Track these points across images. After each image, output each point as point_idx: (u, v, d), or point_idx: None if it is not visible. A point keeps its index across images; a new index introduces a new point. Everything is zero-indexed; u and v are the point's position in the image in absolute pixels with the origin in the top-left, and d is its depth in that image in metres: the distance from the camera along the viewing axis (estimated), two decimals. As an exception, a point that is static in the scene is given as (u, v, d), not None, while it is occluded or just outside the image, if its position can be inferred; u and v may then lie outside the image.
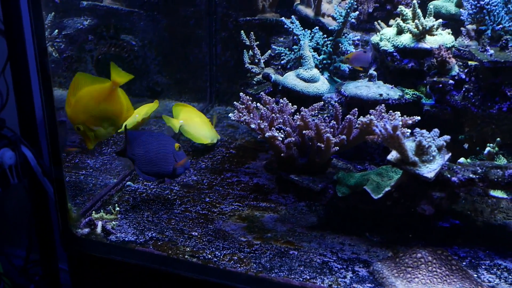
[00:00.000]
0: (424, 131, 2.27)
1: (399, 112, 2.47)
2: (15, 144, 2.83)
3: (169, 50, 3.92)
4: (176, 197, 2.80)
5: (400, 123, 2.24)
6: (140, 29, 3.80)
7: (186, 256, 2.33)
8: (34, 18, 2.27)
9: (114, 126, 2.46)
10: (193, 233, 2.50)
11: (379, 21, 3.31)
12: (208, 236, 2.47)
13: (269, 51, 3.48)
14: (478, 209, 2.58)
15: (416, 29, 2.88)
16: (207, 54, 3.94)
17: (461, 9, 3.06)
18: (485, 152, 2.61)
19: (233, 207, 2.72)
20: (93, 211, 2.62)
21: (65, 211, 2.48)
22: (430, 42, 2.89)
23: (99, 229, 2.49)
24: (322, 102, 2.80)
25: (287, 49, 3.32)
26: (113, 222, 2.55)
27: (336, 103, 2.74)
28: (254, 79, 3.40)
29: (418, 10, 2.93)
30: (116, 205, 2.68)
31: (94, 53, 3.78)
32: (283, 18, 3.26)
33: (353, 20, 3.17)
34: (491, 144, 2.64)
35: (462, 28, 3.00)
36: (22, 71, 2.84)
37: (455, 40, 2.96)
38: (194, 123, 3.18)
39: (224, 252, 2.36)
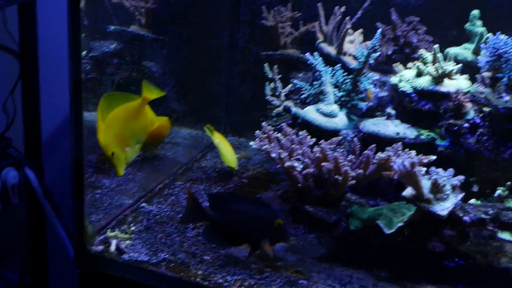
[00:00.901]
0: (440, 169, 2.33)
1: (414, 151, 2.53)
2: (19, 164, 2.85)
3: (189, 79, 3.99)
4: (189, 221, 2.85)
5: (417, 160, 2.30)
6: (162, 57, 3.88)
7: (197, 280, 2.37)
8: (72, 42, 2.30)
9: (140, 143, 2.47)
10: (205, 257, 2.53)
11: (398, 63, 3.39)
12: (220, 261, 2.51)
13: (290, 85, 3.55)
14: (483, 251, 2.61)
15: (436, 72, 2.96)
16: (225, 85, 4.01)
17: (478, 57, 3.15)
18: (496, 195, 2.67)
19: (244, 234, 2.76)
20: (108, 230, 2.66)
21: (82, 228, 2.52)
22: (447, 86, 2.97)
23: (113, 248, 2.53)
24: (341, 137, 2.88)
25: (307, 84, 3.39)
26: (127, 241, 2.59)
27: (355, 138, 2.81)
28: (274, 111, 3.46)
29: (439, 54, 3.01)
30: (131, 224, 2.73)
31: (114, 77, 3.85)
32: (307, 54, 3.33)
33: (372, 61, 3.24)
34: (502, 188, 2.69)
35: (477, 75, 3.08)
36: (32, 92, 2.89)
37: (471, 86, 3.03)
38: (227, 146, 3.23)
39: (235, 277, 2.39)
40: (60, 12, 2.31)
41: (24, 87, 2.84)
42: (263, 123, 2.82)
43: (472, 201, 2.72)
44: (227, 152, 3.26)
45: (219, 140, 3.25)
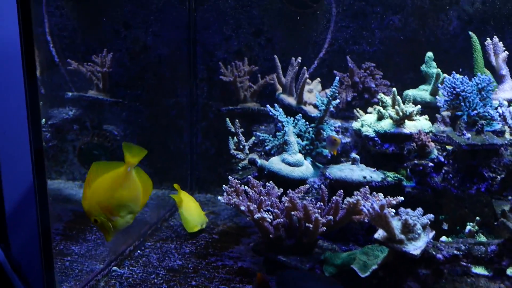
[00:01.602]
0: (409, 210, 2.35)
1: (382, 194, 2.55)
2: None
3: (151, 139, 3.99)
4: (162, 281, 2.81)
5: (386, 202, 2.32)
6: (122, 119, 3.88)
7: None
8: (31, 112, 2.28)
9: (133, 213, 2.34)
10: (181, 316, 2.51)
11: (358, 109, 3.44)
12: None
13: (253, 138, 3.56)
14: (458, 288, 2.63)
15: (396, 115, 3.00)
16: (188, 143, 4.01)
17: (436, 97, 3.21)
18: (466, 230, 2.69)
19: (219, 290, 2.74)
20: (81, 296, 2.62)
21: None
22: (409, 127, 3.01)
23: (87, 314, 2.50)
24: (308, 185, 2.88)
25: (270, 135, 3.41)
26: (101, 306, 2.56)
27: (322, 185, 2.82)
28: (239, 164, 3.47)
29: (398, 97, 3.06)
30: (105, 289, 2.70)
31: (76, 143, 3.83)
32: (267, 106, 3.36)
33: (332, 109, 3.28)
34: (471, 223, 2.72)
35: (437, 115, 3.13)
36: None
37: (432, 125, 3.08)
38: (191, 208, 3.21)
39: None
40: (15, 82, 2.29)
41: None
42: (230, 177, 2.82)
43: (443, 238, 2.73)
44: (189, 215, 3.25)
45: (183, 203, 3.23)
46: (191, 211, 3.24)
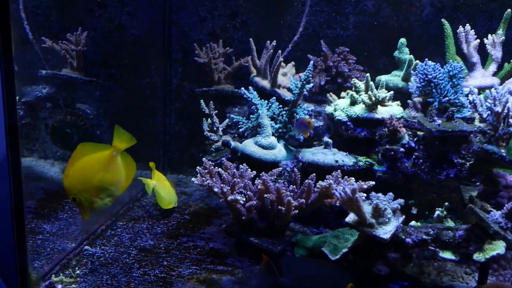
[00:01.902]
0: (380, 194, 2.38)
1: (353, 178, 2.59)
2: None
3: (124, 119, 3.98)
4: (134, 261, 2.83)
5: (358, 187, 2.35)
6: (96, 98, 3.87)
7: (147, 319, 2.37)
8: (6, 88, 2.27)
9: (112, 197, 2.36)
10: (153, 296, 2.54)
11: (331, 93, 3.46)
12: (168, 300, 2.52)
13: (227, 120, 3.58)
14: (425, 271, 2.68)
15: (369, 100, 3.03)
16: (161, 123, 4.02)
17: (408, 83, 3.24)
18: (435, 215, 2.74)
19: (191, 270, 2.76)
20: (53, 275, 2.62)
21: (25, 275, 2.48)
22: (381, 112, 3.05)
23: (59, 292, 2.51)
24: (281, 168, 2.91)
25: (244, 118, 3.43)
26: (72, 285, 2.56)
27: (295, 169, 2.84)
28: (213, 146, 3.48)
29: (371, 83, 3.09)
30: (76, 268, 2.70)
31: (48, 121, 3.82)
32: (242, 88, 3.38)
33: (306, 92, 3.30)
34: (440, 208, 2.77)
35: (409, 101, 3.17)
36: None
37: (403, 111, 3.12)
38: (165, 187, 3.22)
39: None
40: None
41: None
42: (204, 159, 2.83)
43: (413, 223, 2.78)
44: (165, 193, 3.26)
45: (156, 183, 3.23)
46: (166, 189, 3.25)
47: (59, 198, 3.46)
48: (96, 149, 2.32)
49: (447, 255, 2.64)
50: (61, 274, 2.64)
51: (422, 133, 2.90)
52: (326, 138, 3.07)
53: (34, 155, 4.02)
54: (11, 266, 2.64)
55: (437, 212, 2.73)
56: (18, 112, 3.65)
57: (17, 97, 3.65)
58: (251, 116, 3.39)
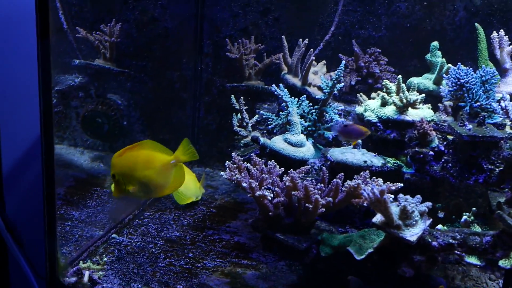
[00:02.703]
0: (408, 196, 2.39)
1: (381, 179, 2.59)
2: None
3: (154, 111, 4.01)
4: (160, 251, 2.87)
5: (386, 188, 2.36)
6: (127, 89, 3.90)
7: (171, 309, 2.41)
8: (42, 73, 2.31)
9: (148, 195, 2.43)
10: (177, 286, 2.57)
11: (361, 93, 3.47)
12: (192, 290, 2.55)
13: (256, 116, 3.60)
14: (449, 275, 2.68)
15: (400, 102, 3.04)
16: (190, 116, 4.04)
17: (440, 86, 3.24)
18: (462, 220, 2.74)
19: (215, 263, 2.79)
20: (80, 261, 2.67)
21: (54, 260, 2.53)
22: (412, 115, 3.05)
23: (86, 279, 2.54)
24: (309, 166, 2.92)
25: (274, 114, 3.44)
26: (99, 272, 2.61)
27: (323, 167, 2.86)
28: (242, 141, 3.50)
29: (403, 85, 3.09)
30: (103, 255, 2.74)
31: (79, 110, 3.87)
32: (273, 85, 3.40)
33: (336, 92, 3.31)
34: (468, 213, 2.77)
35: (439, 104, 3.17)
36: None
37: (434, 114, 3.12)
38: (189, 180, 3.22)
39: (207, 303, 2.44)
40: (21, 47, 2.32)
41: None
42: (233, 153, 2.86)
43: (439, 226, 2.78)
44: (183, 187, 3.27)
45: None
46: (186, 183, 3.26)
47: (88, 186, 3.51)
48: (160, 150, 2.35)
49: (473, 260, 2.64)
50: (88, 260, 2.68)
51: (452, 137, 2.90)
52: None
53: (64, 143, 4.07)
54: (40, 252, 2.69)
55: (464, 217, 2.73)
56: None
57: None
58: (280, 113, 3.41)
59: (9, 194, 3.11)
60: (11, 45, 2.80)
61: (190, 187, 3.21)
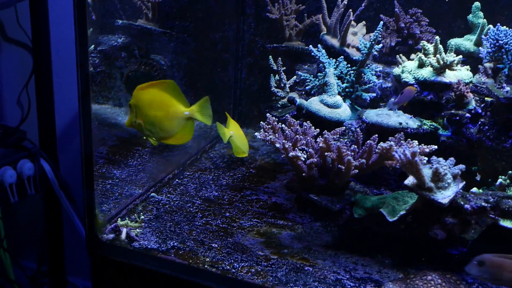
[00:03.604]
0: (440, 159, 2.38)
1: (416, 141, 2.59)
2: (34, 156, 2.91)
3: (196, 72, 4.04)
4: (197, 210, 2.92)
5: (419, 150, 2.35)
6: (169, 50, 3.93)
7: (206, 266, 2.45)
8: (79, 36, 2.35)
9: (152, 135, 2.48)
10: (213, 245, 2.61)
11: (401, 54, 3.44)
12: (228, 248, 2.59)
13: (294, 77, 3.60)
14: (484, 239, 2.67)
15: (437, 63, 3.01)
16: (232, 77, 4.05)
17: (480, 48, 3.19)
18: (497, 183, 2.71)
19: (252, 223, 2.83)
20: (119, 218, 2.73)
21: (92, 216, 2.60)
22: (449, 76, 3.02)
23: (123, 236, 2.61)
24: (344, 128, 2.93)
25: (312, 76, 3.44)
26: (137, 229, 2.67)
27: (358, 129, 2.86)
28: (279, 102, 3.51)
29: (440, 46, 3.05)
30: (141, 213, 2.81)
31: (123, 70, 3.91)
32: (310, 46, 3.39)
33: (375, 53, 3.28)
34: (503, 177, 2.74)
35: (479, 66, 3.12)
36: (46, 86, 2.95)
37: (473, 76, 3.08)
38: (240, 136, 3.26)
39: (242, 264, 2.47)
40: (70, 6, 2.36)
41: (37, 81, 2.90)
42: (267, 114, 2.88)
43: (474, 189, 2.76)
44: (241, 142, 3.29)
45: (233, 133, 3.26)
46: (241, 138, 3.29)
47: (130, 146, 3.57)
48: (178, 97, 2.43)
49: (507, 223, 2.61)
50: (126, 218, 2.74)
51: (490, 99, 2.87)
52: (392, 100, 3.06)
53: (109, 103, 4.13)
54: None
55: (499, 180, 2.70)
56: (94, 60, 3.76)
57: (93, 45, 3.75)
58: (318, 74, 3.40)
59: (62, 153, 3.20)
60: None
61: (245, 143, 3.22)
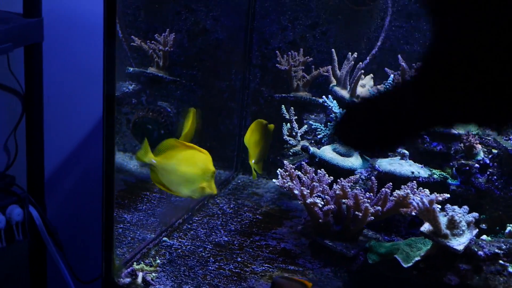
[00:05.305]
0: (455, 207, 2.47)
1: (427, 190, 2.67)
2: (23, 201, 2.92)
3: (202, 118, 4.11)
4: (209, 255, 2.96)
5: (435, 198, 2.44)
6: (176, 97, 4.01)
7: (223, 310, 2.50)
8: (107, 88, 2.44)
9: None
10: (228, 289, 2.66)
11: (407, 106, 3.53)
12: (243, 293, 2.65)
13: (305, 126, 3.67)
14: (491, 285, 2.73)
15: (446, 116, 3.10)
16: (237, 125, 4.13)
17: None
18: (506, 231, 2.79)
19: (263, 268, 2.88)
20: (134, 262, 2.77)
21: (110, 260, 2.63)
22: (457, 128, 3.12)
23: (139, 280, 2.65)
24: (358, 176, 3.01)
25: (322, 125, 3.53)
26: (152, 273, 2.71)
27: (373, 177, 2.94)
28: (291, 150, 3.59)
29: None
30: (156, 257, 2.85)
31: (130, 116, 3.98)
32: (323, 97, 3.48)
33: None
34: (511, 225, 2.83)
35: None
36: (36, 131, 2.99)
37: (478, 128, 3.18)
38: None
39: (258, 307, 2.52)
40: (65, 53, 2.42)
41: (28, 126, 2.93)
42: (285, 161, 2.96)
43: (484, 237, 2.84)
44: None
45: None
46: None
47: (138, 190, 3.62)
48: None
49: (518, 270, 2.70)
50: (141, 262, 2.78)
51: (496, 150, 2.97)
52: (403, 150, 3.15)
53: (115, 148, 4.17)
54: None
55: (508, 228, 2.79)
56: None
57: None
58: (329, 123, 3.49)
59: (50, 198, 3.22)
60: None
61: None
